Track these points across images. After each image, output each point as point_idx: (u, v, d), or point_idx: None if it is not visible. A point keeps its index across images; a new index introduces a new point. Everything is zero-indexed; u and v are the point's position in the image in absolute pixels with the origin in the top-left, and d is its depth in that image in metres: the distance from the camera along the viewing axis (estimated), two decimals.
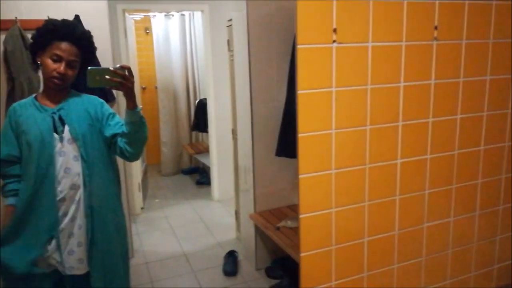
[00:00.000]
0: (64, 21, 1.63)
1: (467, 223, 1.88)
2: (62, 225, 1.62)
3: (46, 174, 1.59)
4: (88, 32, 1.68)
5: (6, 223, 1.63)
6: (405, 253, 1.74)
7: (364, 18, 1.50)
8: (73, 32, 1.60)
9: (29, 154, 1.61)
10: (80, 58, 1.63)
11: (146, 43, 5.95)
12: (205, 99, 4.71)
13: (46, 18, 1.64)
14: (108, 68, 1.51)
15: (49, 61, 1.58)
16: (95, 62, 1.83)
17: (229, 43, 3.29)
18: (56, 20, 1.63)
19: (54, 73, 1.57)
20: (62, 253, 1.64)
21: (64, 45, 1.58)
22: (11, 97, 2.50)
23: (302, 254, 1.54)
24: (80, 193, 1.64)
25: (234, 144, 3.37)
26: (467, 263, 1.93)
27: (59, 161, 1.61)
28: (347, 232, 1.60)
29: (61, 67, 1.57)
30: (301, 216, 1.52)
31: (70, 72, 1.60)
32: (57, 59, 1.58)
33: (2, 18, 2.49)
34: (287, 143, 2.69)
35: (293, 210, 2.91)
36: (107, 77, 1.49)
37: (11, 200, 1.66)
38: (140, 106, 1.64)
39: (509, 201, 1.97)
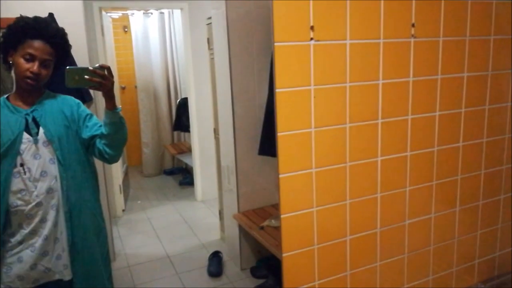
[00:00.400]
0: (36, 18, 1.57)
1: (448, 219, 1.89)
2: (46, 232, 1.58)
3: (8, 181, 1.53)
4: (62, 30, 1.62)
5: None
6: (387, 250, 1.75)
7: (342, 15, 1.49)
8: (46, 30, 1.54)
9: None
10: (54, 57, 1.57)
11: (124, 41, 5.85)
12: (186, 98, 4.66)
13: (18, 16, 1.57)
14: (87, 68, 1.47)
15: (21, 61, 1.52)
16: (70, 61, 1.77)
17: (209, 41, 3.26)
18: (27, 17, 1.56)
19: (27, 73, 1.52)
20: (52, 259, 1.61)
21: (37, 43, 1.52)
22: None
23: (284, 255, 1.52)
24: (57, 196, 1.59)
25: (216, 143, 3.34)
26: (449, 258, 1.95)
27: (35, 164, 1.56)
28: (329, 231, 1.60)
29: (35, 66, 1.51)
30: (282, 216, 1.50)
31: (44, 72, 1.54)
32: (30, 59, 1.52)
33: None
34: (269, 142, 2.68)
35: (277, 209, 2.89)
36: (86, 77, 1.45)
37: None
38: (119, 106, 1.61)
39: (489, 196, 2.00)
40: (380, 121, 1.62)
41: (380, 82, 1.59)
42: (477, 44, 1.80)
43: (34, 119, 1.57)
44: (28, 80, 1.53)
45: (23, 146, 1.54)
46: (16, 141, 1.53)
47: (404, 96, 1.66)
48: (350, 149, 1.57)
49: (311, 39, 1.44)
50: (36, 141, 1.56)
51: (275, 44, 1.39)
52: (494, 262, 2.11)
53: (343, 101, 1.53)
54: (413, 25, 1.62)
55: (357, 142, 1.58)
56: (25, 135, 1.55)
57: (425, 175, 1.78)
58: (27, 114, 1.57)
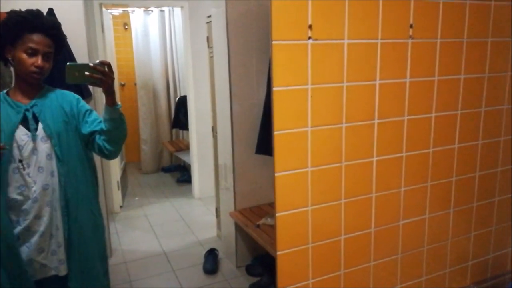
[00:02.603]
0: (29, 11, 1.56)
1: (442, 220, 1.90)
2: (42, 228, 1.58)
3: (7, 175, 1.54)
4: (57, 20, 1.62)
5: None
6: (381, 250, 1.75)
7: (340, 15, 1.49)
8: (42, 22, 1.53)
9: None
10: (55, 49, 1.57)
11: (124, 39, 5.85)
12: (185, 96, 4.66)
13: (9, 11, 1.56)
14: (88, 64, 1.47)
15: (24, 56, 1.51)
16: (66, 51, 1.75)
17: (208, 40, 3.26)
18: (21, 11, 1.55)
19: (33, 68, 1.51)
20: (47, 255, 1.61)
21: (37, 36, 1.51)
22: None
23: (278, 253, 1.53)
24: (53, 193, 1.59)
25: (214, 141, 3.34)
26: (442, 260, 1.96)
27: (33, 160, 1.56)
28: (324, 230, 1.60)
29: (39, 60, 1.51)
30: (277, 214, 1.51)
31: (47, 65, 1.55)
32: (33, 53, 1.51)
33: None
34: (266, 141, 2.69)
35: (273, 207, 2.90)
36: (86, 73, 1.45)
37: None
38: (119, 103, 1.60)
39: (483, 198, 2.01)
40: (376, 121, 1.62)
41: (377, 82, 1.60)
42: (474, 46, 1.81)
43: (33, 115, 1.58)
44: (34, 75, 1.53)
45: (21, 142, 1.55)
46: (14, 136, 1.54)
47: (401, 97, 1.66)
48: (346, 149, 1.58)
49: (309, 38, 1.45)
50: (34, 137, 1.56)
51: (273, 42, 1.40)
52: (487, 263, 2.12)
53: (340, 100, 1.54)
54: (411, 26, 1.63)
55: (353, 142, 1.59)
56: (24, 131, 1.55)
57: (420, 176, 1.79)
58: (27, 109, 1.57)
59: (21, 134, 1.55)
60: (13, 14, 1.55)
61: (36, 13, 1.56)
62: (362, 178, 1.64)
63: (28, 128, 1.56)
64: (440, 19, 1.69)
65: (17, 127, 1.54)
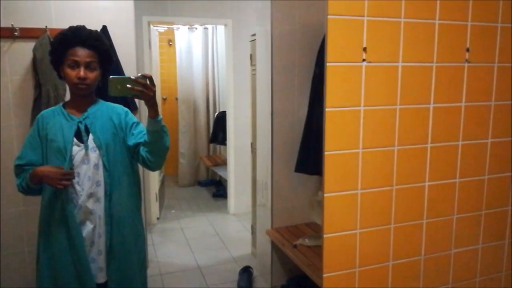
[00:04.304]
0: (71, 27, 1.65)
1: (496, 251, 1.81)
2: (84, 234, 1.63)
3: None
4: (96, 31, 1.68)
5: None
6: (431, 279, 1.68)
7: (395, 37, 1.48)
8: (80, 35, 1.61)
9: (52, 161, 1.62)
10: (97, 59, 1.64)
11: (168, 54, 6.04)
12: (224, 111, 4.73)
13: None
14: (130, 77, 1.51)
15: (68, 70, 1.60)
16: (114, 61, 1.79)
17: (251, 57, 3.31)
18: (64, 30, 1.64)
19: (75, 80, 1.59)
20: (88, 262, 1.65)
21: (77, 49, 1.59)
22: (38, 103, 2.55)
23: (325, 275, 1.50)
24: (97, 201, 1.65)
25: (252, 157, 3.35)
26: None
27: (83, 169, 1.62)
28: (372, 254, 1.56)
29: (81, 72, 1.58)
30: (325, 235, 1.48)
31: (90, 75, 1.61)
32: (75, 65, 1.60)
33: (33, 26, 2.56)
34: (307, 160, 2.67)
35: (311, 228, 2.87)
36: (128, 86, 1.49)
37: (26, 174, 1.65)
38: (160, 115, 1.65)
39: None
40: (429, 145, 1.58)
41: (431, 106, 1.56)
42: None
43: (86, 127, 1.65)
44: (79, 86, 1.60)
45: (73, 152, 1.62)
46: (67, 147, 1.61)
47: (456, 121, 1.62)
48: (397, 172, 1.54)
49: (363, 60, 1.44)
50: (86, 147, 1.63)
51: (328, 64, 1.40)
52: None
53: (393, 123, 1.51)
54: (467, 50, 1.59)
55: (405, 166, 1.55)
56: (76, 141, 1.63)
57: (474, 203, 1.72)
58: (79, 121, 1.65)
59: (74, 144, 1.63)
60: (58, 34, 1.65)
61: (76, 29, 1.64)
62: (413, 203, 1.59)
63: (79, 139, 1.63)
64: (498, 43, 1.64)
65: (72, 141, 1.62)
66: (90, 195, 1.63)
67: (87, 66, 1.60)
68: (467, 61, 1.60)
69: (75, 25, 1.66)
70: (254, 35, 3.12)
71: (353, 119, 1.46)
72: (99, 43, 1.65)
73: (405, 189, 1.57)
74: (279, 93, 2.76)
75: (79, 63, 1.59)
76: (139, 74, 1.52)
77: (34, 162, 1.65)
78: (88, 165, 1.63)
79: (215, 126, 5.33)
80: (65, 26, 1.68)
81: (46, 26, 2.55)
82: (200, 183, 5.73)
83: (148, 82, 1.51)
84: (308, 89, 2.70)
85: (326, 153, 1.43)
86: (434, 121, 1.57)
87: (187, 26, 5.38)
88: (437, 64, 1.55)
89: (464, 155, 1.65)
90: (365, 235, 1.53)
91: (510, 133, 1.74)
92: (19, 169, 1.67)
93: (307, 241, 2.57)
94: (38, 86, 2.57)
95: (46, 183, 1.60)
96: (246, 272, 3.05)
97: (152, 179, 4.18)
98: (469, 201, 1.69)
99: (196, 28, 5.43)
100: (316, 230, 2.82)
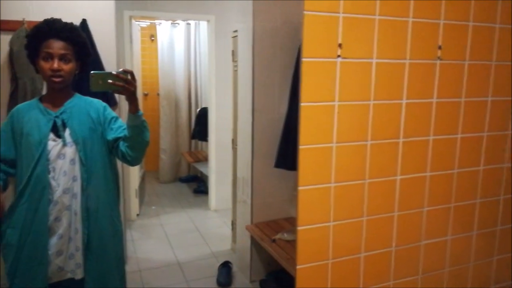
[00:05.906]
0: (46, 20, 1.63)
1: (464, 242, 1.87)
2: (61, 231, 1.62)
3: (41, 179, 1.59)
4: (71, 24, 1.65)
5: None
6: (401, 270, 1.73)
7: (370, 34, 1.52)
8: (54, 27, 1.59)
9: (27, 156, 1.60)
10: (72, 51, 1.61)
11: (150, 50, 6.00)
12: (206, 108, 4.73)
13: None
14: (111, 72, 1.51)
15: (42, 62, 1.58)
16: (92, 54, 1.76)
17: (233, 53, 3.32)
18: (39, 23, 1.63)
19: (49, 72, 1.57)
20: (65, 258, 1.65)
21: (50, 42, 1.57)
22: (14, 97, 2.52)
23: (298, 267, 1.53)
24: (74, 197, 1.64)
25: (233, 154, 3.37)
26: (463, 283, 1.92)
27: (59, 164, 1.61)
28: (344, 246, 1.60)
29: (54, 64, 1.56)
30: (299, 228, 1.51)
31: (65, 67, 1.59)
32: (49, 57, 1.57)
33: (10, 19, 2.51)
34: (286, 155, 2.70)
35: (290, 222, 2.90)
36: (109, 81, 1.49)
37: None
38: (141, 110, 1.65)
39: (508, 222, 1.97)
40: (401, 140, 1.63)
41: (404, 101, 1.61)
42: (502, 69, 1.80)
43: (62, 121, 1.63)
44: (53, 78, 1.58)
45: (49, 147, 1.60)
46: (43, 142, 1.59)
47: (427, 117, 1.66)
48: (370, 166, 1.58)
49: (338, 56, 1.47)
50: (63, 142, 1.61)
51: (303, 59, 1.42)
52: None
53: (366, 118, 1.55)
54: (439, 47, 1.64)
55: (377, 160, 1.59)
56: (52, 136, 1.61)
57: (444, 196, 1.77)
58: (56, 116, 1.63)
59: (50, 139, 1.61)
60: (33, 27, 1.63)
61: (50, 21, 1.62)
62: (384, 196, 1.64)
63: (56, 134, 1.62)
64: (469, 41, 1.70)
65: (48, 136, 1.60)
66: (66, 191, 1.62)
67: (62, 58, 1.58)
68: (439, 58, 1.65)
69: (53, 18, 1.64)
70: (236, 31, 3.13)
71: (327, 114, 1.49)
72: (74, 35, 1.62)
73: (377, 183, 1.61)
74: (260, 89, 2.79)
75: (53, 55, 1.57)
76: (121, 70, 1.52)
77: (5, 156, 1.64)
78: (63, 160, 1.61)
79: (196, 122, 5.33)
80: (43, 19, 1.66)
81: (23, 19, 2.51)
82: (181, 179, 5.72)
83: (129, 77, 1.52)
84: (289, 86, 2.73)
85: (301, 147, 1.46)
86: (406, 116, 1.62)
87: (169, 22, 5.35)
88: (410, 61, 1.60)
89: (435, 150, 1.70)
90: (338, 227, 1.56)
91: (479, 128, 1.80)
92: None
93: (285, 236, 2.60)
94: (14, 79, 2.53)
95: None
96: (226, 267, 3.07)
97: (132, 175, 4.15)
98: (438, 194, 1.75)
99: (178, 24, 5.41)
100: (294, 224, 2.83)
